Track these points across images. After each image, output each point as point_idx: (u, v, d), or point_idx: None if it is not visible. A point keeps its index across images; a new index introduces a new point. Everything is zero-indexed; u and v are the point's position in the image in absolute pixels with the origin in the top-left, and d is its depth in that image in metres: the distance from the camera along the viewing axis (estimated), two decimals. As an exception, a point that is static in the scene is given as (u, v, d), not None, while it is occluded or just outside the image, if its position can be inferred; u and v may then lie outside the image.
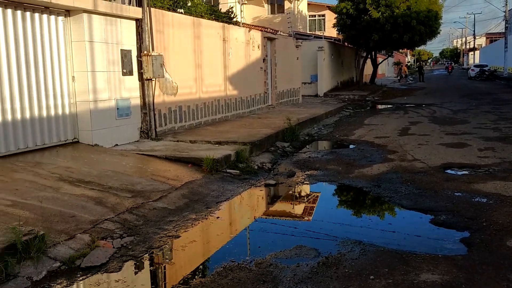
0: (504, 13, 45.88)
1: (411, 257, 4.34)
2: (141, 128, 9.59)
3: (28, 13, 7.33)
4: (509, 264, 4.13)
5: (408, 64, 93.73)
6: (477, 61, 67.36)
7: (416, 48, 42.23)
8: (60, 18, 7.90)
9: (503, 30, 48.15)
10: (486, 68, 43.75)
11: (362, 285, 3.78)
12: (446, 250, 4.52)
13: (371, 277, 3.92)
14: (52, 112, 7.82)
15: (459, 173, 7.71)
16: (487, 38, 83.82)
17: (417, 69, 48.56)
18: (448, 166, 8.13)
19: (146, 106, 9.58)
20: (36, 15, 7.48)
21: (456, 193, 6.44)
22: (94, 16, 8.15)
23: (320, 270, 4.08)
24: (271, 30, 18.47)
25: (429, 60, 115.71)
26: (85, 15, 7.97)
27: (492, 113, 16.26)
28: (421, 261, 4.24)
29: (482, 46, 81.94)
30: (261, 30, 16.70)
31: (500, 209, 5.65)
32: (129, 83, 9.15)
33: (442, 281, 3.83)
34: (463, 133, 11.81)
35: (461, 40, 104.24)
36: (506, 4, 45.09)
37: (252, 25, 19.86)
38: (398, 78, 45.16)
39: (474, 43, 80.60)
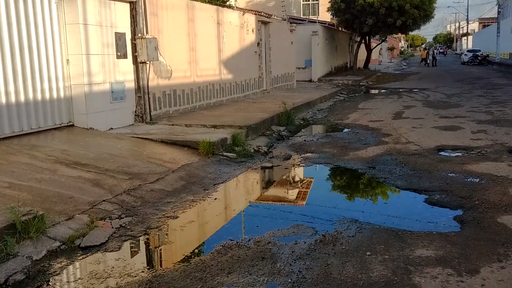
0: (497, -2, 45.89)
1: (406, 234, 4.42)
2: (135, 111, 9.57)
3: (21, -5, 7.25)
4: (500, 239, 4.24)
5: (402, 49, 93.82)
6: (470, 46, 67.55)
7: (410, 32, 42.21)
8: (54, 0, 7.82)
9: (496, 15, 48.14)
10: (479, 53, 44.12)
11: (359, 260, 3.86)
12: (440, 228, 4.61)
13: (368, 253, 4.00)
14: (47, 96, 7.78)
15: (453, 154, 7.80)
16: (480, 23, 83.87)
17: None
18: (442, 148, 8.22)
19: (141, 90, 9.55)
20: (29, -3, 7.40)
21: (449, 174, 6.52)
22: (87, -2, 8.07)
23: (318, 247, 4.15)
24: (265, 14, 18.33)
25: (422, 46, 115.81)
26: (78, -3, 7.90)
27: (485, 97, 16.38)
28: (416, 238, 4.32)
29: (475, 31, 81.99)
30: (255, 14, 16.59)
31: (491, 188, 5.76)
32: (123, 67, 9.10)
33: (436, 256, 3.92)
34: (456, 117, 11.90)
35: (455, 25, 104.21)
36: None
37: (246, 9, 19.70)
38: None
39: (467, 28, 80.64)
